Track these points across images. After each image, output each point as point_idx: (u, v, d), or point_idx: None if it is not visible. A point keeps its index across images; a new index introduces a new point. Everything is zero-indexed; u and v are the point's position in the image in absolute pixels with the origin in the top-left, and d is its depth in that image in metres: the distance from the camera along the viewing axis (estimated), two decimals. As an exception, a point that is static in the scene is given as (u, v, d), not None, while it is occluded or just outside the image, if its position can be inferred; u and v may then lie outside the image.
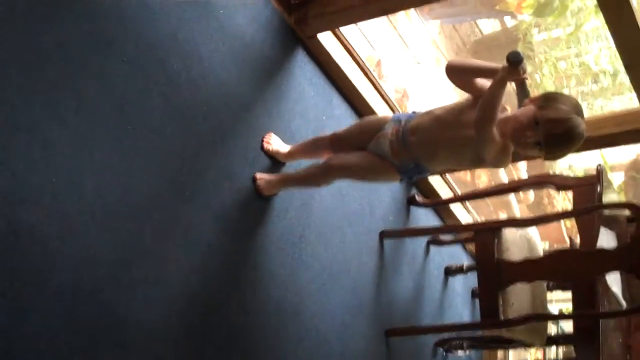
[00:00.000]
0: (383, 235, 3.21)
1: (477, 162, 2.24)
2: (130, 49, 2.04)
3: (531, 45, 6.50)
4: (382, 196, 3.27)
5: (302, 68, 2.83)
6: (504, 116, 2.14)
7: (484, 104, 2.09)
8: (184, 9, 2.26)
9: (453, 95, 4.74)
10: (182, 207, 2.15)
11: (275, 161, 2.59)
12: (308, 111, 2.82)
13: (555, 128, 2.03)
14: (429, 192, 3.66)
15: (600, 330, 2.86)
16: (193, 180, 2.21)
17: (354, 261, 2.96)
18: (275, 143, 2.58)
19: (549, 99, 2.06)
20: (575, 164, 7.62)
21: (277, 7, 2.72)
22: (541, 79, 6.60)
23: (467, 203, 4.05)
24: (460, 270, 3.74)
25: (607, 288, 3.01)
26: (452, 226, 3.80)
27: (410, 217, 3.47)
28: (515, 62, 2.03)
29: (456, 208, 3.92)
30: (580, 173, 7.77)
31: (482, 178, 5.65)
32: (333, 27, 2.94)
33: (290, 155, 2.60)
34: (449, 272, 3.76)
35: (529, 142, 2.07)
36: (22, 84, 1.72)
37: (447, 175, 3.82)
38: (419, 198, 3.52)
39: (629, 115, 3.17)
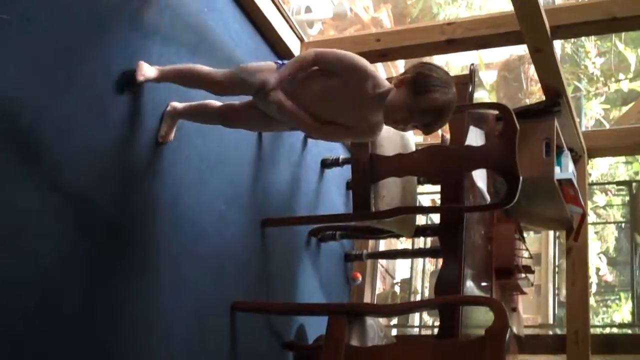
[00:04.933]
0: (262, 127, 3.23)
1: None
2: None
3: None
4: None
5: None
6: (381, 92, 2.21)
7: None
8: None
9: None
10: (56, 99, 2.11)
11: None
12: (190, 3, 2.76)
13: (429, 116, 2.14)
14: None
15: (463, 223, 3.03)
16: (68, 72, 2.16)
17: (232, 153, 2.98)
18: (146, 70, 2.44)
19: (419, 86, 2.13)
20: (452, 61, 7.82)
21: None
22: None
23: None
24: (336, 162, 3.83)
25: (473, 183, 3.17)
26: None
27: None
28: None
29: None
30: (457, 70, 7.98)
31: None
32: None
33: (160, 79, 2.49)
34: (325, 164, 3.84)
35: (406, 127, 2.20)
36: None
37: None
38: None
39: (503, 17, 3.29)
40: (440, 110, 2.13)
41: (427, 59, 3.46)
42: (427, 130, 2.21)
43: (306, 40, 3.61)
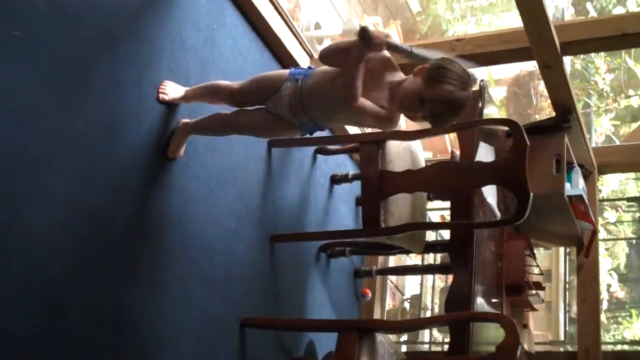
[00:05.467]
0: (271, 144, 3.24)
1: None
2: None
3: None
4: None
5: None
6: (396, 80, 2.26)
7: (345, 83, 2.21)
8: None
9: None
10: (68, 115, 2.11)
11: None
12: (199, 19, 2.78)
13: (439, 107, 2.15)
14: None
15: (473, 239, 3.02)
16: (78, 87, 2.17)
17: (242, 169, 2.99)
18: (171, 91, 2.55)
19: (435, 77, 2.15)
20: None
21: None
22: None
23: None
24: (345, 178, 3.83)
25: (483, 199, 3.16)
26: (339, 136, 3.85)
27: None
28: (364, 36, 2.15)
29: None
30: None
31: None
32: None
33: (187, 99, 2.60)
34: (335, 180, 3.83)
35: (416, 115, 2.20)
36: None
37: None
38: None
39: (513, 34, 3.29)
40: (451, 103, 2.14)
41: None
42: (435, 122, 2.21)
43: (315, 56, 3.62)
